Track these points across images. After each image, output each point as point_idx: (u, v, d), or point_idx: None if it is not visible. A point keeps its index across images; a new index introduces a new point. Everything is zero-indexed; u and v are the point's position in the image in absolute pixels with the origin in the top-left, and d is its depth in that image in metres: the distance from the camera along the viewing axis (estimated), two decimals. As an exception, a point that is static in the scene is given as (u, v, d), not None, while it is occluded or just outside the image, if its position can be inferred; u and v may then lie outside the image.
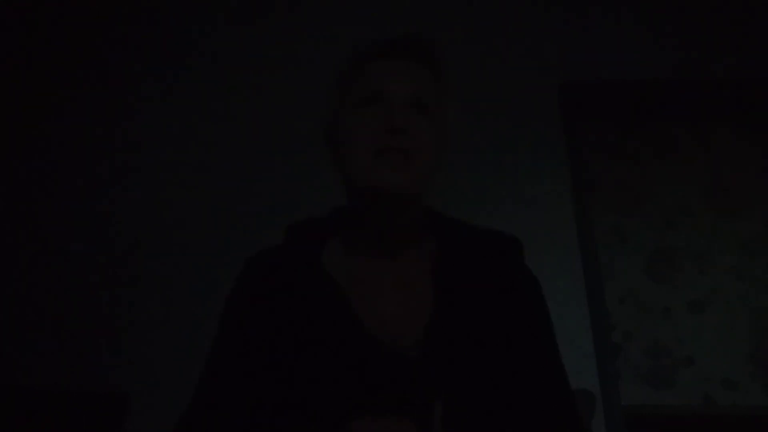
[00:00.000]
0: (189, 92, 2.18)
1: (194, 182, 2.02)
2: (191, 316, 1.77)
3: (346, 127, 0.88)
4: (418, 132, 0.85)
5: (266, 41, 2.26)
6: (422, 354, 0.78)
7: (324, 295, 0.83)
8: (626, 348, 1.96)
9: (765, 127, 2.24)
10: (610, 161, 2.23)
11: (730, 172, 2.19)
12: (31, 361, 1.77)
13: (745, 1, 2.25)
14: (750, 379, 1.90)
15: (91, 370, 1.75)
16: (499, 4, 2.29)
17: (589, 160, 2.21)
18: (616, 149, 2.25)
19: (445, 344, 0.79)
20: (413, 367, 0.77)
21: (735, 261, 2.06)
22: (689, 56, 2.19)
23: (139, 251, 1.92)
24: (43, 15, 2.32)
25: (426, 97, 0.89)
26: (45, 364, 1.76)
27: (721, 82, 2.17)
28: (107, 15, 2.32)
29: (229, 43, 2.26)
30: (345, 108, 0.90)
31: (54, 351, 1.78)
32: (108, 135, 2.12)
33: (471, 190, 1.95)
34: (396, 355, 0.78)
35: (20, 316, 1.83)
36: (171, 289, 1.85)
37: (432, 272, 0.87)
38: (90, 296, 1.85)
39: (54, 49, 2.26)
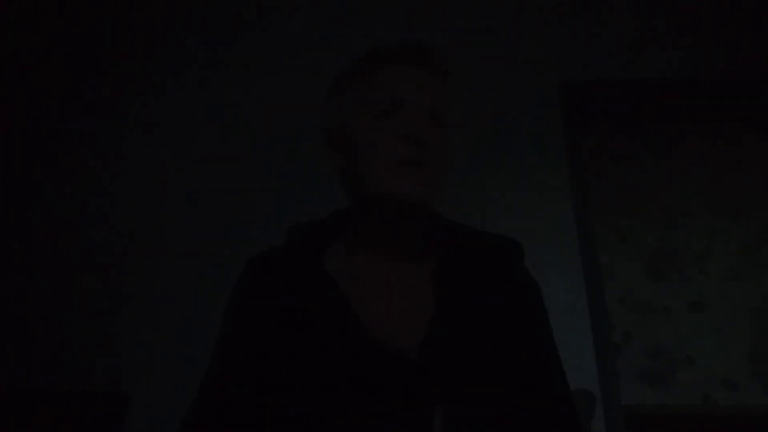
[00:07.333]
0: (190, 92, 2.18)
1: (195, 182, 2.01)
2: (191, 317, 1.78)
3: (364, 136, 0.88)
4: (434, 144, 0.87)
5: (266, 43, 2.26)
6: (423, 356, 0.78)
7: (325, 297, 0.83)
8: (626, 348, 1.96)
9: (765, 127, 2.24)
10: (611, 161, 2.23)
11: (730, 172, 2.19)
12: (31, 361, 1.77)
13: (746, 1, 2.25)
14: (750, 379, 1.90)
15: (91, 370, 1.75)
16: (499, 4, 2.29)
17: (589, 160, 2.21)
18: (616, 149, 2.24)
19: (446, 346, 0.79)
20: (414, 369, 0.77)
21: (735, 261, 2.06)
22: (689, 56, 2.18)
23: (140, 251, 1.92)
24: (41, 16, 2.32)
25: (440, 108, 0.90)
26: (45, 364, 1.76)
27: (721, 82, 2.17)
28: (107, 16, 2.32)
29: (229, 44, 2.26)
30: (360, 115, 0.90)
31: (54, 351, 1.78)
32: (109, 135, 2.12)
33: (471, 191, 1.95)
34: (397, 357, 0.78)
35: (20, 316, 1.83)
36: (171, 289, 1.85)
37: (433, 275, 0.87)
38: (90, 296, 1.85)
39: (52, 49, 2.27)
